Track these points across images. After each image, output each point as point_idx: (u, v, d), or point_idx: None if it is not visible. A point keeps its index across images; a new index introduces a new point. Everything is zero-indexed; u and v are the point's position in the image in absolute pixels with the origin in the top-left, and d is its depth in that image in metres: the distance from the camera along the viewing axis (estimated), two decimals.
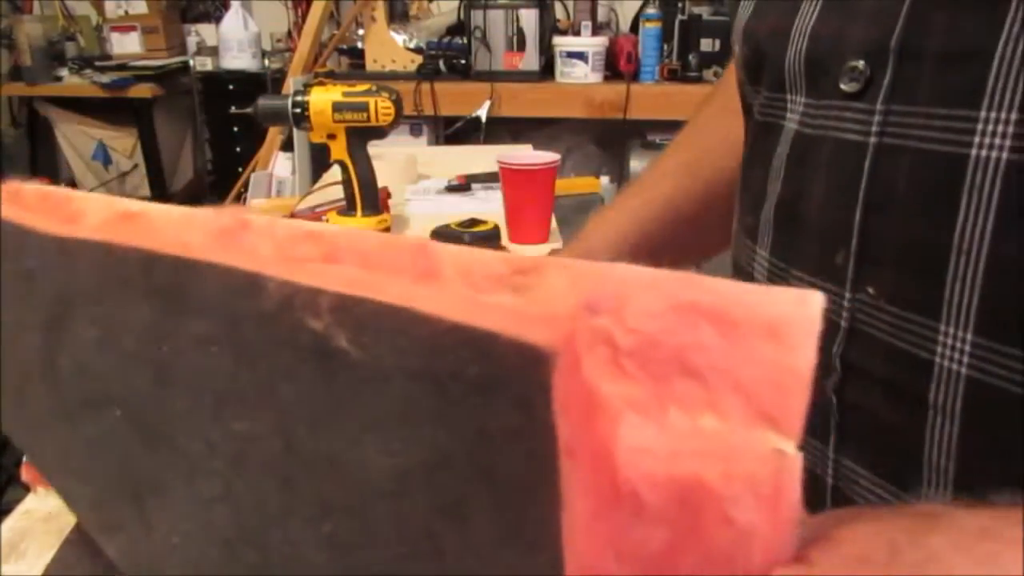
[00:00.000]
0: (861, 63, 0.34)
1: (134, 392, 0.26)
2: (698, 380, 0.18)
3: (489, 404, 0.17)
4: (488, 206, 1.26)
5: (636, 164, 2.30)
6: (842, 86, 0.35)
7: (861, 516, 0.21)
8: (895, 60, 0.32)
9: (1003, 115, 0.28)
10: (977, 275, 0.29)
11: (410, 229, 1.21)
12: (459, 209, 1.24)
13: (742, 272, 0.44)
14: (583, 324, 0.19)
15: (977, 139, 0.29)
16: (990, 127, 0.29)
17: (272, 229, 0.25)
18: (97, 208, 0.30)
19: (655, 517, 0.18)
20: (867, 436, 0.36)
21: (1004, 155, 0.28)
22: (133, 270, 0.24)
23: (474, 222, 1.11)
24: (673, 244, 0.60)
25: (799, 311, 0.18)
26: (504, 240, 1.15)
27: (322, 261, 0.24)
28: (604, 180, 1.78)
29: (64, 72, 2.82)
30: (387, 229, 1.12)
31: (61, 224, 0.27)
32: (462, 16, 2.45)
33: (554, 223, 1.20)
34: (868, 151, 0.33)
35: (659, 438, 0.19)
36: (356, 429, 0.20)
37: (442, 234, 1.09)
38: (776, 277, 0.40)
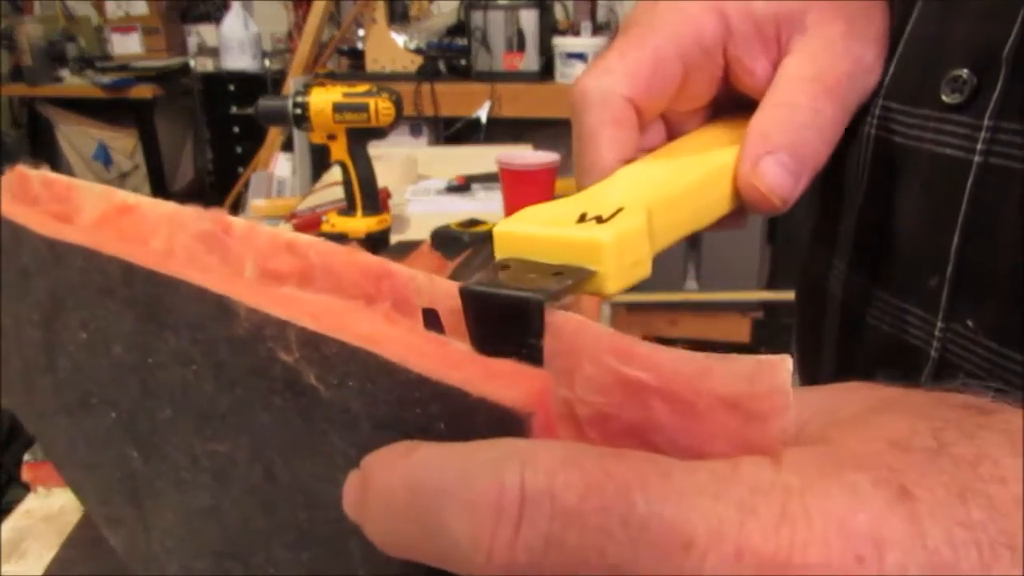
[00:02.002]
0: (965, 72, 0.30)
1: (125, 397, 0.25)
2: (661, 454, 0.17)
3: None
4: (488, 206, 1.26)
5: None
6: (943, 97, 0.31)
7: (895, 403, 0.18)
8: (1008, 71, 0.29)
9: None
10: None
11: (410, 229, 1.21)
12: (459, 209, 1.24)
13: (813, 283, 0.40)
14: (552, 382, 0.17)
15: None
16: None
17: (252, 237, 0.25)
18: (94, 202, 0.30)
19: None
20: None
21: None
22: (115, 279, 0.24)
23: (474, 222, 1.11)
24: None
25: (763, 382, 0.15)
26: None
27: (297, 277, 0.24)
28: None
29: (65, 73, 2.82)
30: (387, 229, 1.12)
31: (55, 222, 0.27)
32: (462, 17, 2.45)
33: None
34: (971, 170, 0.30)
35: None
36: (328, 466, 0.19)
37: (442, 234, 1.09)
38: (856, 295, 0.36)
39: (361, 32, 2.54)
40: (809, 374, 0.41)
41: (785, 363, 0.16)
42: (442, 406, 0.16)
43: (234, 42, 2.63)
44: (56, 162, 3.08)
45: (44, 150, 3.10)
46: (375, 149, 1.11)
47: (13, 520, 0.61)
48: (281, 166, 1.87)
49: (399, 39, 2.49)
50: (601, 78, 0.31)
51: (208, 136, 2.81)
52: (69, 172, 3.00)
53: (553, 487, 0.14)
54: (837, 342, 0.38)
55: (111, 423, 0.27)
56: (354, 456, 0.17)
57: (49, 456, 0.33)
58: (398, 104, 1.06)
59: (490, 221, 1.12)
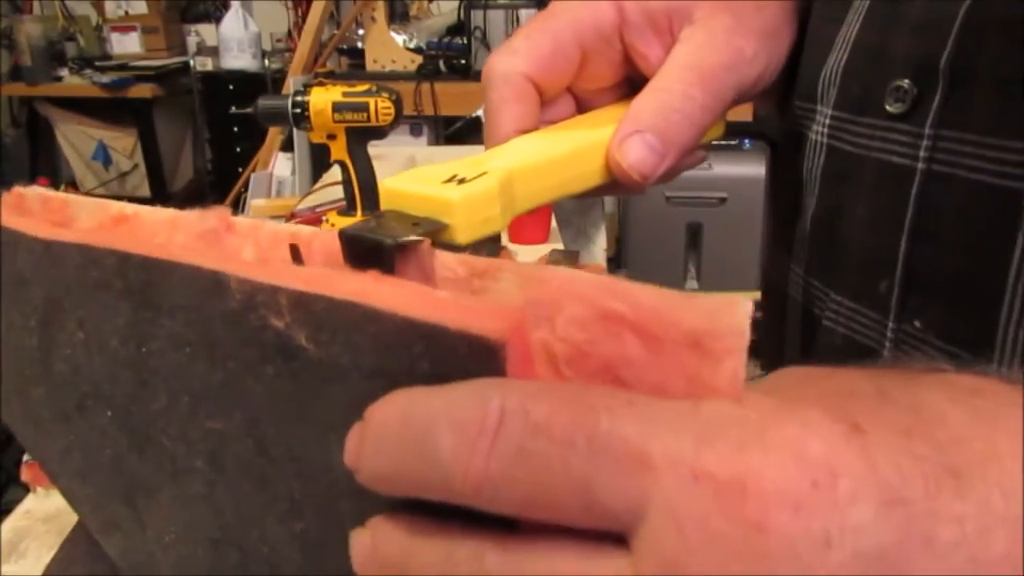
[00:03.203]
0: (907, 82, 0.31)
1: (121, 392, 0.26)
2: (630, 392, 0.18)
3: None
4: None
5: None
6: (887, 107, 0.32)
7: (837, 371, 0.20)
8: (945, 82, 0.30)
9: None
10: None
11: None
12: None
13: (775, 287, 0.42)
14: (530, 321, 0.18)
15: None
16: None
17: (256, 232, 0.26)
18: (90, 212, 0.30)
19: None
20: None
21: None
22: (110, 271, 0.24)
23: None
24: None
25: (722, 321, 0.16)
26: (504, 240, 1.15)
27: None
28: None
29: (64, 72, 2.82)
30: None
31: (51, 227, 0.27)
32: (462, 16, 2.45)
33: (554, 223, 1.20)
34: (915, 177, 0.31)
35: None
36: (319, 428, 0.20)
37: None
38: (813, 298, 0.38)
39: (361, 31, 2.54)
40: (774, 369, 0.43)
41: (744, 305, 0.16)
42: (426, 345, 0.17)
43: (234, 42, 2.62)
44: (55, 161, 3.08)
45: (43, 150, 3.10)
46: (375, 149, 1.11)
47: (13, 520, 0.61)
48: (281, 166, 1.87)
49: (399, 39, 2.49)
50: (506, 58, 0.34)
51: (208, 136, 2.80)
52: (68, 171, 3.00)
53: (528, 407, 0.16)
54: (798, 344, 0.39)
55: (106, 422, 0.27)
56: (344, 411, 0.18)
57: (44, 468, 0.34)
58: (398, 104, 1.06)
59: None
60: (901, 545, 0.14)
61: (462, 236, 0.25)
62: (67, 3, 3.03)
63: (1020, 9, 0.28)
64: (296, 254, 0.24)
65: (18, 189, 0.32)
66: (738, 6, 0.34)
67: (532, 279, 0.19)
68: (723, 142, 2.17)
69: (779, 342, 0.41)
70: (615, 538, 0.16)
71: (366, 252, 0.22)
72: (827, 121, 0.36)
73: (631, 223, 2.34)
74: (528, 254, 1.08)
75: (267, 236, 0.25)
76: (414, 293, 0.18)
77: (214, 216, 0.26)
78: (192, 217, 0.27)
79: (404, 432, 0.16)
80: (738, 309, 0.16)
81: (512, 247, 1.12)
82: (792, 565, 0.14)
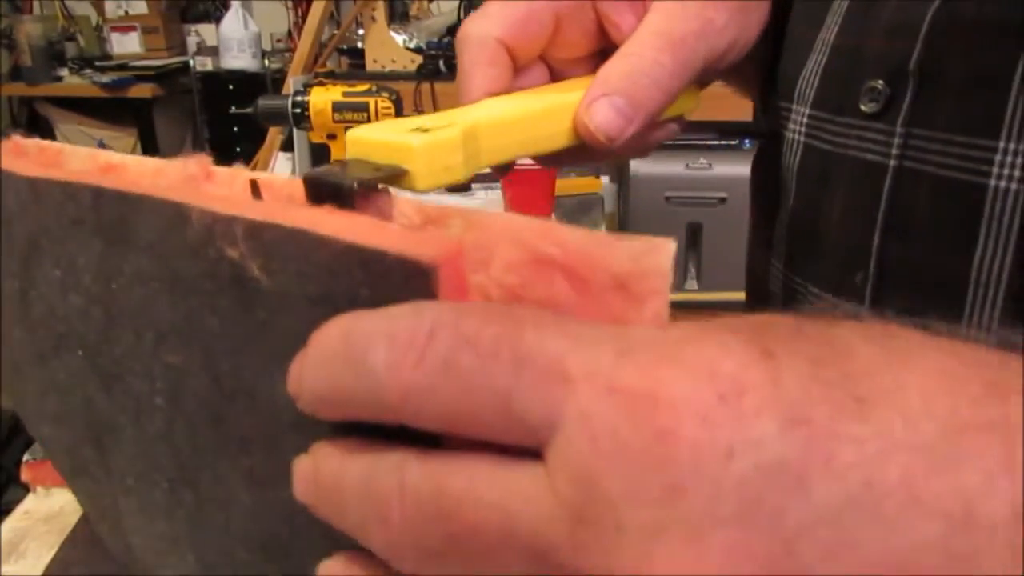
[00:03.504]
0: (880, 83, 0.33)
1: (92, 331, 0.26)
2: None
3: None
4: (489, 206, 1.26)
5: (636, 164, 2.30)
6: (862, 106, 0.34)
7: (761, 316, 0.20)
8: (915, 82, 0.31)
9: (1021, 146, 0.28)
10: (996, 308, 0.29)
11: None
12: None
13: (757, 282, 0.44)
14: (469, 258, 0.19)
15: (996, 169, 0.28)
16: (1008, 158, 0.28)
17: (234, 181, 0.27)
18: (81, 159, 0.31)
19: None
20: None
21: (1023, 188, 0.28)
22: (85, 206, 0.25)
23: None
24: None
25: (646, 262, 0.17)
26: None
27: None
28: (604, 180, 1.78)
29: (64, 72, 2.82)
30: None
31: (40, 167, 0.28)
32: (462, 16, 2.45)
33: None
34: (888, 173, 0.32)
35: None
36: (267, 360, 0.20)
37: None
38: (794, 292, 0.39)
39: (361, 31, 2.54)
40: None
41: (667, 246, 0.17)
42: (365, 272, 0.18)
43: (234, 42, 2.62)
44: None
45: None
46: None
47: (13, 520, 0.61)
48: (281, 166, 1.87)
49: (399, 38, 2.49)
50: (480, 22, 0.35)
51: (207, 135, 2.80)
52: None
53: (459, 321, 0.16)
54: None
55: (78, 363, 0.28)
56: (290, 342, 0.19)
57: (20, 411, 0.34)
58: (398, 103, 1.06)
59: None
60: (801, 461, 0.15)
61: (421, 183, 0.26)
62: (67, 3, 3.03)
63: (984, 11, 0.29)
64: (256, 190, 0.25)
65: (16, 137, 0.33)
66: None
67: (475, 224, 0.20)
68: (723, 142, 2.17)
69: None
70: (534, 455, 0.16)
71: (327, 194, 0.23)
72: (804, 120, 0.37)
73: (631, 223, 2.34)
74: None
75: (243, 184, 0.26)
76: (361, 223, 0.18)
77: (194, 163, 0.27)
78: (175, 165, 0.28)
79: (343, 349, 0.17)
80: (662, 251, 0.17)
81: None
82: (696, 473, 0.15)
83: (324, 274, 0.18)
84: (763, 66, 0.43)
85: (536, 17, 0.35)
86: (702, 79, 0.37)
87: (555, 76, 0.38)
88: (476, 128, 0.29)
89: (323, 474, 0.18)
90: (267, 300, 0.20)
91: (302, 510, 0.19)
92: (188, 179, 0.27)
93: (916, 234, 0.32)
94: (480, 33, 0.34)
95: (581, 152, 0.34)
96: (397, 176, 0.25)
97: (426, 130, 0.27)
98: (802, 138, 0.38)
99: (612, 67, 0.33)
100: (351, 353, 0.17)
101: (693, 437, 0.15)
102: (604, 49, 0.36)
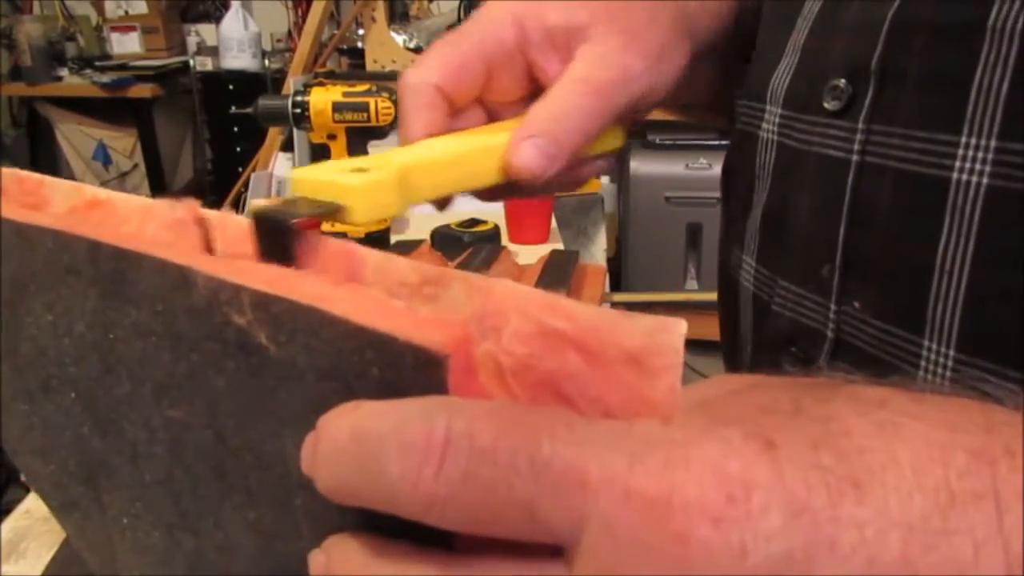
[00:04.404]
0: (843, 82, 0.34)
1: (86, 376, 0.26)
2: (571, 406, 0.18)
3: None
4: (488, 206, 1.26)
5: (636, 164, 2.30)
6: (825, 104, 0.35)
7: (761, 383, 0.21)
8: (876, 81, 0.33)
9: (983, 141, 0.29)
10: (959, 296, 0.30)
11: (410, 229, 1.21)
12: (459, 209, 1.23)
13: (729, 278, 0.45)
14: (475, 334, 0.19)
15: (958, 163, 0.29)
16: (971, 152, 0.29)
17: (223, 225, 0.27)
18: (65, 195, 0.31)
19: None
20: None
21: (985, 180, 0.29)
22: (81, 258, 0.25)
23: (474, 222, 1.11)
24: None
25: (659, 340, 0.17)
26: (504, 240, 1.15)
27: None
28: (604, 180, 1.78)
29: (64, 72, 2.82)
30: (387, 229, 1.12)
31: (24, 209, 0.27)
32: (462, 16, 2.45)
33: (554, 223, 1.21)
34: (851, 168, 0.34)
35: None
36: (276, 423, 0.21)
37: (442, 234, 1.10)
38: (764, 285, 0.41)
39: (361, 31, 2.54)
40: (731, 357, 0.47)
41: (679, 326, 0.17)
42: (376, 353, 0.18)
43: (234, 42, 2.62)
44: (55, 161, 3.08)
45: (43, 150, 3.10)
46: (375, 149, 1.11)
47: (13, 520, 0.61)
48: (281, 166, 1.87)
49: (399, 38, 2.49)
50: (418, 71, 0.37)
51: (207, 135, 2.80)
52: (69, 171, 3.00)
53: (473, 430, 0.17)
54: (751, 328, 0.43)
55: (71, 404, 0.27)
56: (300, 408, 0.19)
57: (5, 445, 0.34)
58: (398, 103, 1.06)
59: (490, 221, 1.12)
60: (807, 549, 0.16)
61: (360, 217, 0.28)
62: (67, 3, 3.03)
63: (941, 12, 0.30)
64: (203, 227, 0.27)
65: None
66: (630, 28, 0.38)
67: (478, 290, 0.20)
68: (723, 142, 2.17)
69: (734, 327, 0.45)
70: (552, 548, 0.17)
71: (272, 229, 0.24)
72: (776, 120, 0.39)
73: (631, 223, 2.34)
74: (528, 253, 1.08)
75: (234, 230, 0.26)
76: (369, 301, 0.19)
77: (183, 207, 0.27)
78: (163, 207, 0.28)
79: (354, 449, 0.17)
80: (673, 330, 0.17)
81: (512, 247, 1.12)
82: (713, 572, 0.16)
83: (333, 351, 0.18)
84: (724, 103, 0.46)
85: (469, 66, 0.38)
86: (622, 121, 0.40)
87: (492, 117, 0.40)
88: (411, 168, 0.31)
89: (339, 573, 0.19)
90: (275, 368, 0.20)
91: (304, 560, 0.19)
92: (177, 224, 0.27)
93: (880, 226, 0.33)
94: (418, 80, 0.37)
95: (511, 188, 0.37)
96: (337, 211, 0.27)
97: (365, 170, 0.29)
98: (775, 137, 0.39)
99: (537, 110, 0.36)
100: (363, 456, 0.17)
101: (707, 539, 0.16)
102: (535, 93, 0.39)
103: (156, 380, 0.24)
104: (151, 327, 0.23)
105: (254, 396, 0.21)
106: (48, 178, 0.32)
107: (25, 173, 0.32)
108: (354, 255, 0.24)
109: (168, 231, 0.27)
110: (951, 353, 0.30)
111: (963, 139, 0.29)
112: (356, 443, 0.17)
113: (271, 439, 0.21)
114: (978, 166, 0.29)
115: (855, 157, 0.34)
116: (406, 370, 0.17)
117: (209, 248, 0.26)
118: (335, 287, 0.19)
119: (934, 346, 0.31)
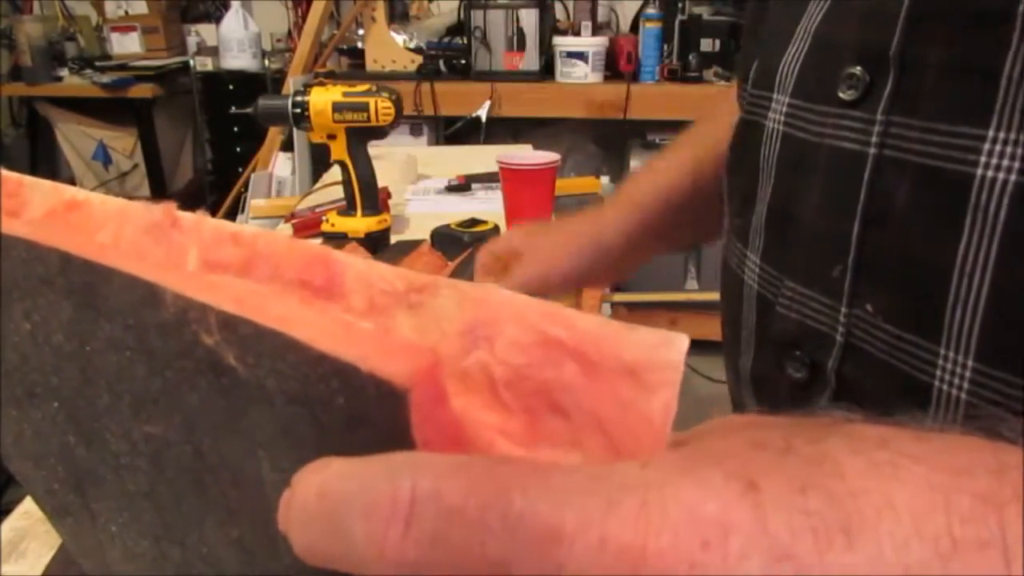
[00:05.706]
0: (859, 70, 0.32)
1: (67, 386, 0.26)
2: (564, 418, 0.18)
3: (356, 435, 0.17)
4: (488, 206, 1.26)
5: (636, 164, 2.30)
6: (840, 94, 0.33)
7: (755, 421, 0.20)
8: (896, 69, 0.31)
9: (1012, 135, 0.27)
10: (980, 300, 0.28)
11: (410, 229, 1.21)
12: (459, 209, 1.24)
13: (732, 275, 0.43)
14: (459, 350, 0.18)
15: (984, 159, 0.28)
16: (998, 147, 0.27)
17: (199, 228, 0.26)
18: (42, 198, 0.30)
19: None
20: None
21: (1012, 177, 0.27)
22: (53, 269, 0.24)
23: (474, 222, 1.11)
24: (680, 225, 0.61)
25: (659, 354, 0.17)
26: None
27: (240, 266, 0.25)
28: (604, 180, 1.78)
29: (64, 72, 2.82)
30: (387, 229, 1.12)
31: (4, 218, 0.27)
32: (462, 16, 2.45)
33: None
34: (867, 162, 0.32)
35: None
36: (251, 443, 0.20)
37: (442, 234, 1.09)
38: (768, 285, 0.39)
39: (361, 31, 2.54)
40: (732, 360, 0.45)
41: (682, 342, 0.17)
42: (340, 382, 0.17)
43: (234, 41, 2.62)
44: (55, 162, 3.08)
45: (43, 150, 3.10)
46: (375, 149, 1.11)
47: (13, 520, 0.61)
48: (281, 166, 1.87)
49: (399, 38, 2.49)
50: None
51: (208, 136, 2.80)
52: (69, 172, 3.00)
53: (440, 488, 0.16)
54: (754, 330, 0.41)
55: (54, 412, 0.27)
56: (271, 432, 0.19)
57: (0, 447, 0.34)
58: (398, 103, 1.06)
59: (490, 221, 1.12)
60: None
61: None
62: (67, 3, 3.03)
63: None
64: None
65: None
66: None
67: (471, 299, 0.20)
68: None
69: (737, 328, 0.43)
70: None
71: None
72: (784, 109, 0.37)
73: None
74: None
75: (210, 234, 0.26)
76: (335, 324, 0.18)
77: (160, 211, 0.27)
78: (139, 210, 0.27)
79: (322, 512, 0.17)
80: (675, 345, 0.17)
81: None
82: None
83: (299, 377, 0.18)
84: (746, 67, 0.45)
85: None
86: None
87: None
88: None
89: None
90: (245, 389, 0.19)
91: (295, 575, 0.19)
92: (154, 227, 0.27)
93: (897, 224, 0.31)
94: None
95: None
96: None
97: None
98: (781, 127, 0.37)
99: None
100: (330, 519, 0.17)
101: None
102: None
103: (133, 394, 0.23)
104: (125, 341, 0.23)
105: (227, 416, 0.20)
106: (28, 178, 0.32)
107: (5, 173, 0.32)
108: (333, 262, 0.23)
109: (145, 235, 0.27)
110: (969, 363, 0.29)
111: (990, 132, 0.28)
112: (323, 504, 0.17)
113: (247, 459, 0.20)
114: (1005, 162, 0.27)
115: (872, 150, 0.32)
116: (369, 401, 0.17)
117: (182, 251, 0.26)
118: (302, 308, 0.19)
119: (951, 355, 0.29)
